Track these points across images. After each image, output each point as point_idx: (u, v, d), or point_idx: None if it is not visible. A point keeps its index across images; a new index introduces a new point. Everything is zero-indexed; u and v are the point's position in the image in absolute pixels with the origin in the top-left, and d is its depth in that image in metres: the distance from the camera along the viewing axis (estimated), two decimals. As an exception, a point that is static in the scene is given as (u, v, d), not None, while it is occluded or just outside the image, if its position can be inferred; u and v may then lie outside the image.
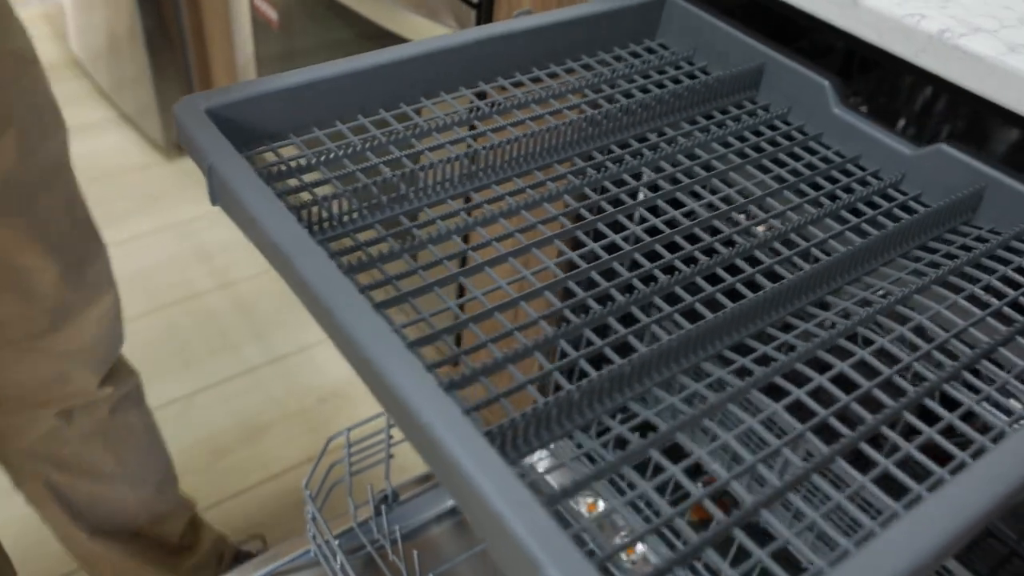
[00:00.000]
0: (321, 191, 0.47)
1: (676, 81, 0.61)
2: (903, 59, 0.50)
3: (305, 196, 0.46)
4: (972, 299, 0.43)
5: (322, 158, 0.49)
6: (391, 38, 1.00)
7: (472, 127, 0.55)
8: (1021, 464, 0.32)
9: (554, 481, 0.86)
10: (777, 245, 0.48)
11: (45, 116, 0.62)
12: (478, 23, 0.86)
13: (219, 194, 0.43)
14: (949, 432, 0.38)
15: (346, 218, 0.46)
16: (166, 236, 1.55)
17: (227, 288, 1.47)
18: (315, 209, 0.45)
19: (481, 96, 0.58)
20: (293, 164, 0.48)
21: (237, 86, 0.48)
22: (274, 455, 1.21)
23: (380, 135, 0.51)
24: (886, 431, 0.38)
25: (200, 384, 1.30)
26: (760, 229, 0.49)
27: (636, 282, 0.44)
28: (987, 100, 0.47)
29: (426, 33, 0.95)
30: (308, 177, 0.48)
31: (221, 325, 1.40)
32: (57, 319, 0.70)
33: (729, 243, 0.48)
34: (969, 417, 0.38)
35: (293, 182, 0.48)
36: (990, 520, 0.32)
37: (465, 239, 0.99)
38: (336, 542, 0.72)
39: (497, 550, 0.30)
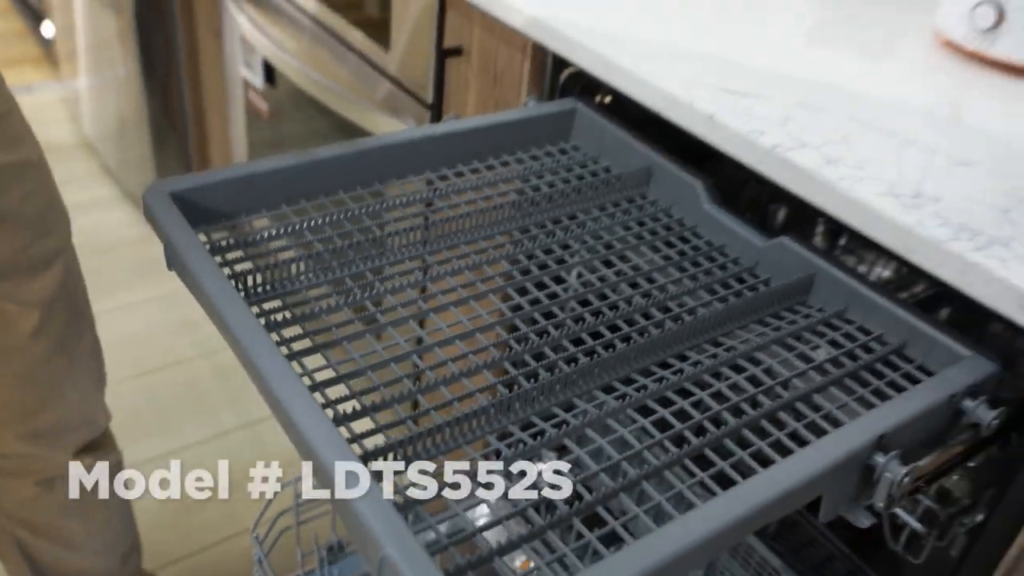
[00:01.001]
0: (263, 260, 0.57)
1: (581, 178, 0.72)
2: (750, 168, 0.61)
3: (247, 264, 0.56)
4: (785, 364, 0.53)
5: (265, 235, 0.59)
6: (361, 131, 1.13)
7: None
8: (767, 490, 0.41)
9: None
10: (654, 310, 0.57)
11: (47, 214, 0.71)
12: (433, 122, 0.98)
13: (173, 261, 0.53)
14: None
15: (276, 284, 0.56)
16: (155, 306, 1.66)
17: (208, 357, 1.56)
18: (255, 275, 0.55)
19: (430, 182, 0.69)
20: (241, 239, 0.58)
21: (197, 175, 0.58)
22: (242, 513, 1.28)
23: (317, 217, 0.61)
24: (728, 442, 0.46)
25: (175, 445, 1.38)
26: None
27: (551, 329, 0.54)
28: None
29: (391, 129, 1.07)
30: (253, 249, 0.58)
31: (200, 391, 1.49)
32: (42, 395, 0.75)
33: (627, 302, 0.58)
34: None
35: (240, 253, 0.58)
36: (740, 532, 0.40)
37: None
38: (276, 582, 0.79)
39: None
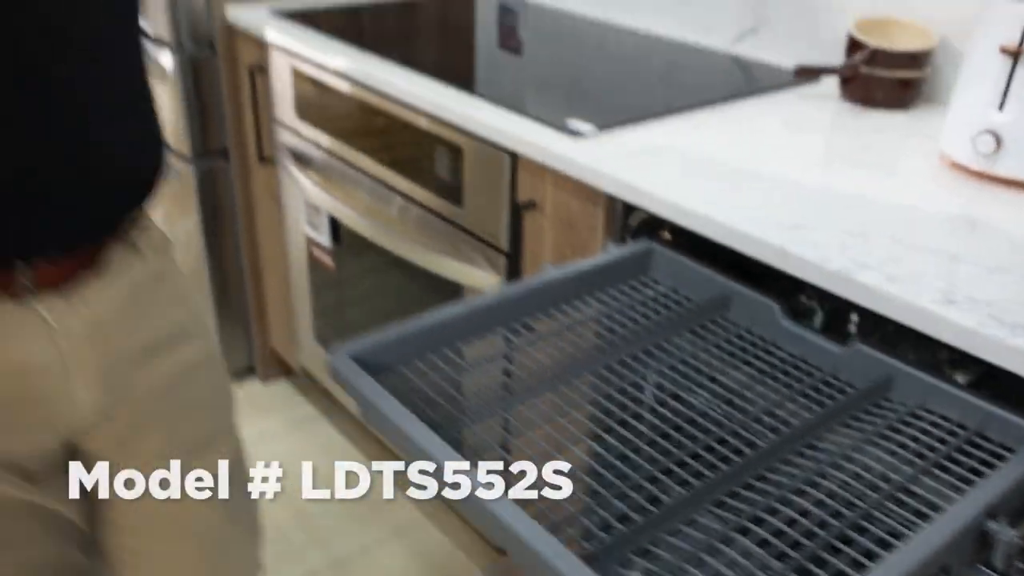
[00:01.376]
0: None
1: (667, 307, 0.83)
2: (820, 287, 0.73)
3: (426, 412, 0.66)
4: (892, 453, 0.62)
5: (424, 378, 0.69)
6: (421, 271, 1.25)
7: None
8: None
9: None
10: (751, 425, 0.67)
11: (224, 393, 0.82)
12: (508, 268, 1.10)
13: (367, 413, 0.64)
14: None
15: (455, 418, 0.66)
16: (225, 454, 1.74)
17: (287, 500, 1.62)
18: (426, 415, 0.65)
19: (515, 332, 0.80)
20: (410, 385, 0.69)
21: (368, 338, 0.69)
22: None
23: (457, 359, 0.72)
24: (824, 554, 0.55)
25: (266, 587, 1.43)
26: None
27: (647, 462, 0.64)
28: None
29: (454, 272, 1.19)
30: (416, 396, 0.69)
31: (283, 533, 1.55)
32: (213, 559, 0.83)
33: (724, 420, 0.68)
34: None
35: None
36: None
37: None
38: None
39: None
